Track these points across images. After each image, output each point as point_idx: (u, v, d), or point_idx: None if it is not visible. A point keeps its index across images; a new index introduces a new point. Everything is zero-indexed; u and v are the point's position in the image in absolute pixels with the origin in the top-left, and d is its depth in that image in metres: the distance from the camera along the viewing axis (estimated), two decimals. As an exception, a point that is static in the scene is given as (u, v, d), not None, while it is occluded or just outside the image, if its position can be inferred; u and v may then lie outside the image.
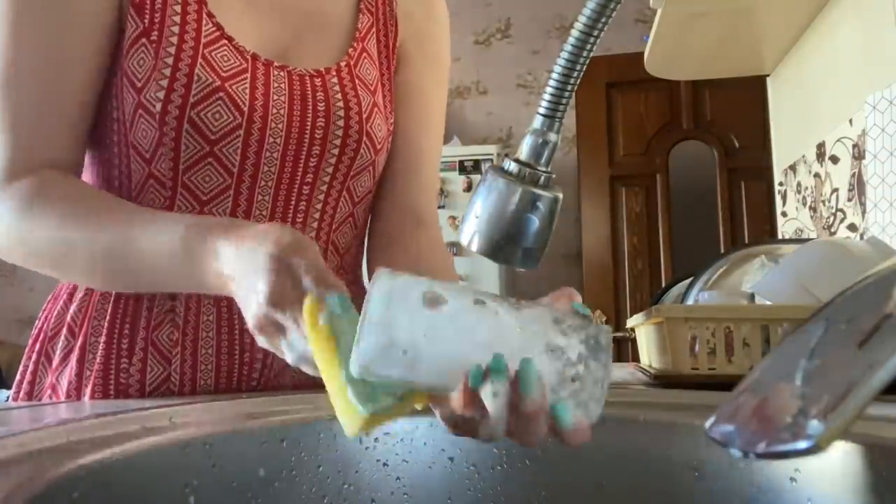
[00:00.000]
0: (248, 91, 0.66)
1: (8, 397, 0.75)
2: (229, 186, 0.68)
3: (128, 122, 0.66)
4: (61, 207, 0.62)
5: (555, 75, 0.37)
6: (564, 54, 0.36)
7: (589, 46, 0.36)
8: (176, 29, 0.65)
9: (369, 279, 0.78)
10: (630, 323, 0.98)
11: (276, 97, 0.68)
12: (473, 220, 0.39)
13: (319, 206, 0.73)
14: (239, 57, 0.67)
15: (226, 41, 0.67)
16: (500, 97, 4.01)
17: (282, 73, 0.69)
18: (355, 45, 0.76)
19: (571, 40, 0.36)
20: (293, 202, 0.71)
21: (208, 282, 0.54)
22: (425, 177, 0.80)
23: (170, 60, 0.64)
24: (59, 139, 0.65)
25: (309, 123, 0.69)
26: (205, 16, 0.66)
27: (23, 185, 0.62)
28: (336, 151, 0.71)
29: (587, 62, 0.37)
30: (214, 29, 0.66)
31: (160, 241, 0.57)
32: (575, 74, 0.37)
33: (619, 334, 2.76)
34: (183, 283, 0.58)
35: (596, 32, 0.36)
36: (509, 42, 4.05)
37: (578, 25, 0.36)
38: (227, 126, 0.65)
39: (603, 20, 0.35)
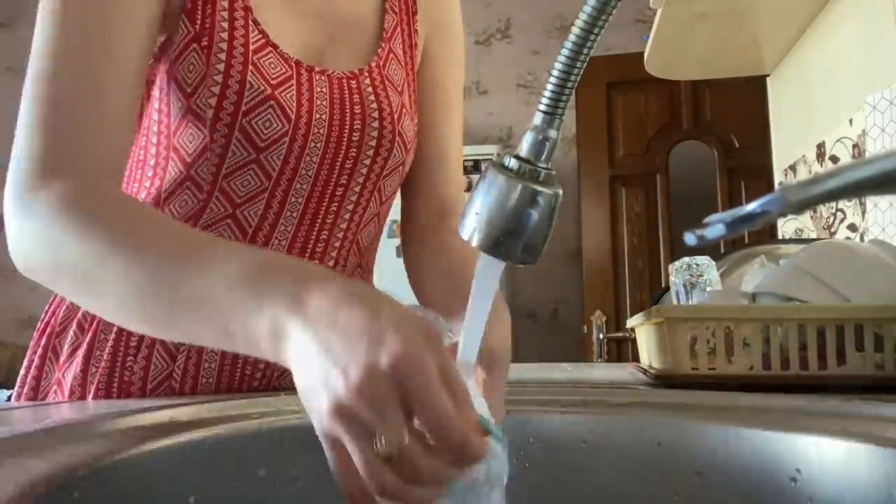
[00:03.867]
0: (294, 98, 0.67)
1: (9, 397, 0.75)
2: (265, 189, 0.68)
3: (173, 124, 0.65)
4: (103, 220, 0.51)
5: (555, 72, 0.37)
6: (565, 51, 0.36)
7: (589, 43, 0.36)
8: (225, 35, 0.64)
9: (406, 268, 0.80)
10: (630, 323, 0.98)
11: (318, 103, 0.69)
12: (473, 216, 0.39)
13: (350, 207, 0.74)
14: (284, 64, 0.67)
15: (271, 48, 0.67)
16: (500, 97, 4.01)
17: (322, 79, 0.70)
18: (383, 45, 0.76)
19: (572, 37, 0.36)
20: (325, 204, 0.72)
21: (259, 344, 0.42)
22: (452, 169, 0.83)
23: (221, 67, 0.63)
24: (101, 138, 0.57)
25: (347, 127, 0.70)
26: (251, 23, 0.66)
27: (59, 188, 0.53)
28: (371, 153, 0.72)
29: (587, 59, 0.37)
30: (260, 36, 0.67)
31: (212, 284, 0.44)
32: (575, 71, 0.37)
33: (619, 334, 2.76)
34: (230, 334, 0.43)
35: (596, 30, 0.36)
36: (509, 42, 4.05)
37: (579, 22, 0.36)
38: (275, 134, 0.66)
39: (604, 17, 0.35)
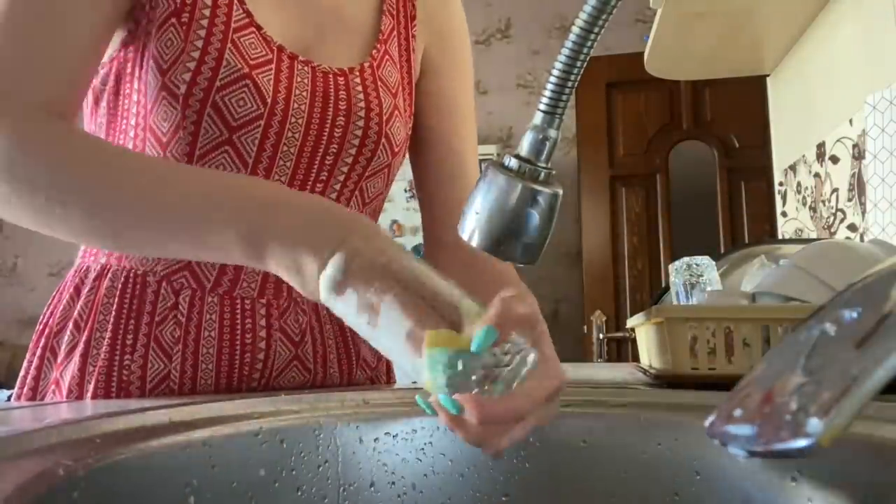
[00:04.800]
0: (272, 82, 0.66)
1: (9, 397, 0.75)
2: None
3: (149, 104, 0.65)
4: (64, 144, 0.55)
5: (555, 72, 0.37)
6: (565, 50, 0.37)
7: (589, 43, 0.36)
8: (207, 12, 0.64)
9: None
10: (630, 323, 0.98)
11: (298, 92, 0.68)
12: (473, 216, 0.39)
13: None
14: (266, 47, 0.67)
15: (254, 29, 0.66)
16: (500, 97, 4.01)
17: (306, 69, 0.69)
18: (379, 46, 0.76)
19: (572, 37, 0.36)
20: None
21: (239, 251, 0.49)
22: (466, 179, 0.83)
23: (199, 43, 0.63)
24: (55, 76, 0.60)
25: (329, 122, 0.70)
26: (236, 1, 0.66)
27: (8, 123, 0.55)
28: (353, 152, 0.71)
29: (588, 59, 0.37)
30: (244, 15, 0.66)
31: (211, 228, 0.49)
32: (575, 71, 0.37)
33: (619, 334, 2.76)
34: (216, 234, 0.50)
35: (596, 29, 0.36)
36: (509, 42, 4.05)
37: (579, 22, 0.36)
38: (249, 114, 0.65)
39: (604, 17, 0.36)
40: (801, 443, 0.22)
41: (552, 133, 0.39)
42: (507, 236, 0.39)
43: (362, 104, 0.71)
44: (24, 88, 0.58)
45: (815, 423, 0.22)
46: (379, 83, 0.74)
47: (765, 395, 0.26)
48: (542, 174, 0.39)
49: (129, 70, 0.67)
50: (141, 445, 0.42)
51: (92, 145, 0.56)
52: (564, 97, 0.38)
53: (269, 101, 0.66)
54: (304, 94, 0.68)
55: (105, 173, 0.53)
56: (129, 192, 0.52)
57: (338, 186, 0.72)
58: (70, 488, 0.34)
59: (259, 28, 0.67)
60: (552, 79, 0.38)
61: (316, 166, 0.70)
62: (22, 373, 0.73)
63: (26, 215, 0.55)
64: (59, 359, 0.70)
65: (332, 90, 0.70)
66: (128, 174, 0.53)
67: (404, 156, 0.79)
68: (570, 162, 3.65)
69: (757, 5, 1.29)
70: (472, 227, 0.39)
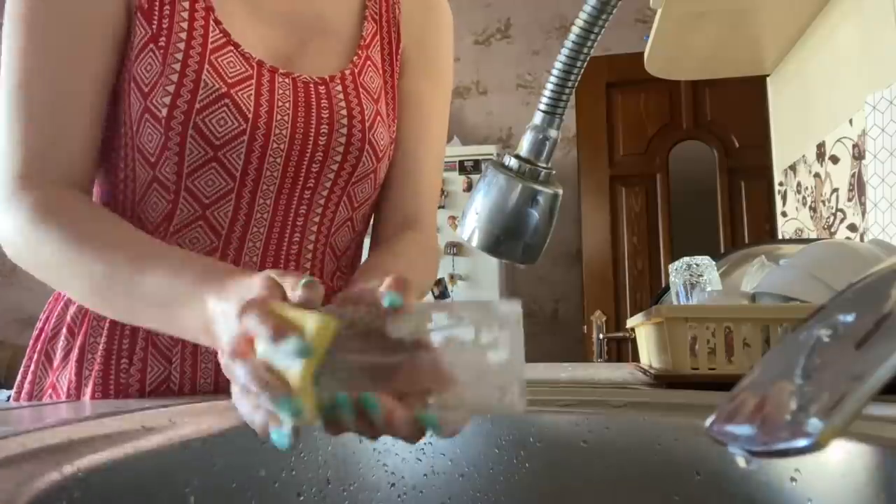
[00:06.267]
0: (252, 98, 0.67)
1: (9, 397, 0.75)
2: (231, 190, 0.68)
3: (134, 126, 0.66)
4: (70, 225, 0.60)
5: (555, 72, 0.37)
6: (565, 51, 0.37)
7: (589, 43, 0.36)
8: (184, 35, 0.65)
9: None
10: (630, 323, 0.98)
11: (280, 104, 0.68)
12: (474, 215, 0.39)
13: (319, 211, 0.73)
14: (245, 63, 0.67)
15: (232, 48, 0.67)
16: (500, 97, 4.01)
17: (286, 81, 0.70)
18: (360, 52, 0.76)
19: (572, 37, 0.36)
20: (294, 206, 0.71)
21: (198, 336, 0.53)
22: (422, 183, 0.81)
23: (177, 66, 0.64)
24: (71, 147, 0.64)
25: (312, 131, 0.70)
26: (212, 22, 0.67)
27: (34, 196, 0.61)
28: (338, 159, 0.71)
29: (587, 59, 0.37)
30: (221, 35, 0.67)
31: (159, 285, 0.55)
32: (575, 71, 0.37)
33: (619, 334, 2.76)
34: (175, 328, 0.56)
35: (596, 30, 0.36)
36: (509, 42, 4.05)
37: (579, 22, 0.36)
38: (231, 132, 0.66)
39: (603, 17, 0.36)
40: (801, 442, 0.22)
41: (552, 133, 0.39)
42: (507, 236, 0.39)
43: (344, 111, 0.71)
44: (46, 166, 0.63)
45: (815, 423, 0.22)
46: (360, 90, 0.74)
47: (765, 395, 0.26)
48: (542, 174, 0.39)
49: (114, 93, 0.67)
50: (141, 445, 0.42)
51: (95, 225, 0.62)
52: (564, 97, 0.38)
53: (249, 116, 0.66)
54: (287, 105, 0.69)
55: (102, 255, 0.59)
56: (118, 279, 0.58)
57: (325, 193, 0.73)
58: (70, 488, 0.34)
59: (237, 46, 0.67)
60: (552, 79, 0.38)
61: (303, 175, 0.70)
62: (18, 378, 0.73)
63: (43, 279, 0.63)
64: (55, 364, 0.70)
65: (313, 100, 0.70)
66: (120, 256, 0.59)
67: (390, 160, 0.79)
68: (570, 162, 3.65)
69: (757, 5, 1.29)
70: (472, 226, 0.39)
